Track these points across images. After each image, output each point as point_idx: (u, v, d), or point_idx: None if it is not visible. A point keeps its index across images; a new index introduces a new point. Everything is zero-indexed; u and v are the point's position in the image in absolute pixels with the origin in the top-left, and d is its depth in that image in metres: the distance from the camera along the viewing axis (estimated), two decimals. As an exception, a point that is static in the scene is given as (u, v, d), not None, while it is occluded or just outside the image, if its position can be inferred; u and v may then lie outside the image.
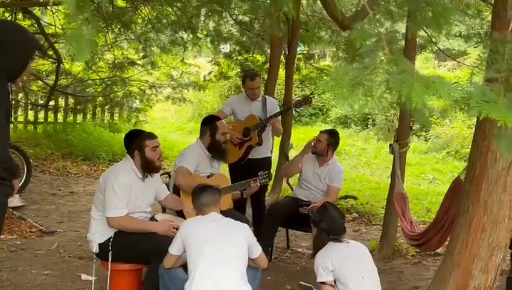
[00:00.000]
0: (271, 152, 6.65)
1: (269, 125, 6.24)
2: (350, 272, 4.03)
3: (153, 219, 4.46)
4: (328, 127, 16.31)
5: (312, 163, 6.00)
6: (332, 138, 5.98)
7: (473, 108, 1.98)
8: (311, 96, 6.63)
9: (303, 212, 5.59)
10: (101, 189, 4.28)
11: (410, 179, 10.94)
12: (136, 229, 4.27)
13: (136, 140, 4.39)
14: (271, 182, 7.93)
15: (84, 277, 5.21)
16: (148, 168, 4.40)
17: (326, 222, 4.18)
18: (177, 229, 4.17)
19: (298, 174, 6.20)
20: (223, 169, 6.46)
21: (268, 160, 6.50)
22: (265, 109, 6.24)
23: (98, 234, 4.29)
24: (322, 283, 4.04)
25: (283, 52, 8.97)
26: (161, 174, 5.83)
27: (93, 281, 4.39)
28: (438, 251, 6.20)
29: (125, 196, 4.22)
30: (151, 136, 4.46)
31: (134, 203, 4.30)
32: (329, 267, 3.99)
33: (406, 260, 6.41)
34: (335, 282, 4.05)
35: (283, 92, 11.24)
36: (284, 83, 9.33)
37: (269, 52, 9.43)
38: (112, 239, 4.24)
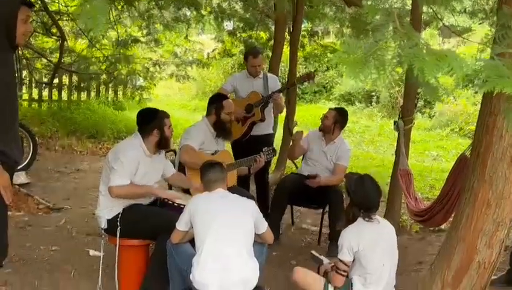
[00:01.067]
0: (272, 129, 6.66)
1: (271, 102, 6.25)
2: (373, 257, 3.94)
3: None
4: (332, 104, 16.33)
5: (318, 141, 6.01)
6: (340, 116, 5.97)
7: (486, 83, 1.98)
8: (314, 72, 6.63)
9: (311, 185, 5.62)
10: (109, 164, 4.31)
11: (414, 156, 10.96)
12: (138, 195, 4.33)
13: (156, 119, 4.41)
14: (275, 159, 7.98)
15: (92, 252, 5.28)
16: (164, 145, 4.47)
17: (360, 196, 4.03)
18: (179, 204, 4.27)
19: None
20: (227, 145, 6.50)
21: (270, 137, 6.53)
22: (266, 86, 6.25)
23: (107, 210, 4.33)
24: (341, 260, 4.02)
25: (287, 29, 8.93)
26: (166, 152, 5.87)
27: (101, 257, 4.43)
28: (442, 227, 6.26)
29: (130, 169, 4.24)
30: (167, 114, 4.53)
31: (142, 180, 4.33)
32: (354, 249, 3.90)
33: (410, 236, 6.47)
34: (353, 260, 4.03)
35: (287, 69, 11.24)
36: (287, 61, 9.30)
37: (273, 29, 9.39)
38: (120, 215, 4.28)
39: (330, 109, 6.11)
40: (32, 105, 12.38)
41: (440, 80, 2.91)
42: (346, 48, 1.95)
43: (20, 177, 7.23)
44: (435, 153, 12.13)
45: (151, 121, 4.41)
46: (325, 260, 4.61)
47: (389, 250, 4.11)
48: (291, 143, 6.37)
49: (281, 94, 6.41)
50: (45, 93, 12.75)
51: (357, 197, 4.04)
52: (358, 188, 4.06)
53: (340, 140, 6.00)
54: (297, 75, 8.09)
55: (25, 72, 11.22)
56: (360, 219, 4.03)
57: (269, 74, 6.63)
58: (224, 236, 3.67)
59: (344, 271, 4.04)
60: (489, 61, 2.02)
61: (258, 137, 6.23)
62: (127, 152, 4.30)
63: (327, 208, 5.85)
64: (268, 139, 6.40)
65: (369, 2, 8.22)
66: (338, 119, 5.91)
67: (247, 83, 6.32)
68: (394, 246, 4.19)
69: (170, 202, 4.42)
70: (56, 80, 12.10)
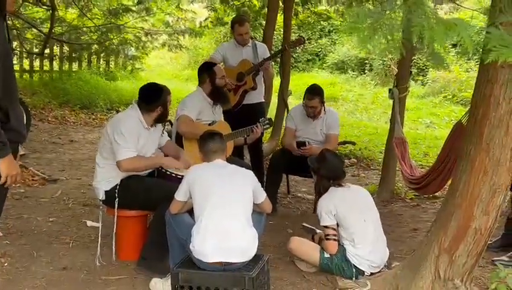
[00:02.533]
0: (263, 97, 6.63)
1: (262, 70, 6.22)
2: (352, 215, 4.18)
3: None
4: (325, 73, 16.29)
5: (305, 120, 5.89)
6: (321, 95, 5.82)
7: (491, 52, 1.97)
8: (303, 37, 6.58)
9: (302, 154, 5.62)
10: (109, 136, 4.26)
11: (408, 124, 11.00)
12: (147, 167, 4.38)
13: (161, 97, 4.39)
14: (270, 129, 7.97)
15: (89, 223, 5.29)
16: (162, 120, 4.50)
17: (326, 169, 4.35)
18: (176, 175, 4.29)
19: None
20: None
21: (262, 105, 6.52)
22: (256, 54, 6.22)
23: (104, 181, 4.32)
24: (325, 226, 4.19)
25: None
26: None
27: (100, 228, 4.45)
28: (436, 194, 6.32)
29: (133, 140, 4.23)
30: (169, 90, 4.53)
31: (140, 152, 4.32)
32: (332, 212, 4.15)
33: (404, 203, 6.52)
34: (337, 226, 4.19)
35: (280, 37, 11.17)
36: (280, 29, 9.22)
37: (266, -4, 9.29)
38: (118, 186, 4.28)
39: (309, 97, 5.77)
40: (24, 76, 12.29)
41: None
42: (354, 17, 1.93)
43: (15, 149, 7.20)
44: (428, 121, 12.18)
45: (157, 99, 4.39)
46: (317, 230, 4.70)
47: (366, 208, 4.34)
48: (284, 133, 6.22)
49: (271, 62, 6.35)
50: (36, 64, 12.65)
51: (323, 171, 4.36)
52: (322, 163, 4.40)
53: (326, 110, 5.90)
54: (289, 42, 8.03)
55: (15, 43, 11.11)
56: (331, 188, 4.26)
57: (258, 42, 6.59)
58: (224, 206, 3.69)
59: (333, 235, 4.20)
60: (495, 31, 2.01)
61: (250, 106, 6.21)
62: (127, 124, 4.27)
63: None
64: (260, 108, 6.38)
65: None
66: (322, 99, 5.83)
67: (237, 51, 6.28)
68: (371, 203, 4.40)
69: (168, 173, 4.42)
70: (47, 50, 11.99)
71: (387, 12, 1.84)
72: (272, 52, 6.54)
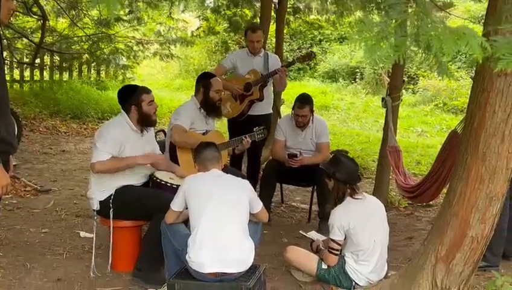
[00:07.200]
0: (276, 110, 6.60)
1: (271, 81, 6.20)
2: (364, 234, 4.10)
3: (152, 176, 4.46)
4: (316, 81, 16.31)
5: (294, 130, 5.87)
6: (311, 103, 5.80)
7: (500, 61, 1.96)
8: (313, 52, 6.55)
9: (292, 166, 5.60)
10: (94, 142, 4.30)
11: (399, 132, 10.98)
12: (119, 167, 4.25)
13: (133, 95, 4.37)
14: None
15: (82, 234, 5.25)
16: (145, 122, 4.40)
17: (342, 172, 4.17)
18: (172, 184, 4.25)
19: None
20: (223, 123, 6.42)
21: (268, 116, 6.47)
22: (267, 65, 6.19)
23: (99, 191, 4.29)
24: (333, 240, 4.11)
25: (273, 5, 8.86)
26: (156, 132, 5.83)
27: (94, 238, 4.41)
28: (430, 202, 6.32)
29: (112, 147, 4.19)
30: (147, 90, 4.46)
31: (130, 156, 4.30)
32: (345, 227, 4.06)
33: (398, 212, 6.52)
34: (345, 238, 4.12)
35: (271, 46, 11.17)
36: (272, 38, 9.23)
37: (257, 6, 9.30)
38: (112, 196, 4.25)
39: (299, 106, 5.73)
40: (14, 86, 12.20)
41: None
42: (361, 26, 1.92)
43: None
44: (419, 129, 12.20)
45: (128, 98, 4.38)
46: (314, 236, 4.67)
47: (379, 226, 4.22)
48: (273, 145, 6.12)
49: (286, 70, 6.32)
50: (27, 73, 12.60)
51: (340, 174, 4.17)
52: (337, 166, 4.21)
53: (314, 119, 5.87)
54: (296, 55, 8.06)
55: (5, 53, 11.03)
56: (348, 198, 4.17)
57: (270, 53, 6.56)
58: (220, 216, 3.67)
59: (336, 250, 4.14)
60: (504, 39, 2.01)
61: (257, 117, 6.16)
62: (110, 130, 4.31)
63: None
64: (266, 119, 6.32)
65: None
66: (312, 107, 5.81)
67: (248, 60, 6.25)
68: (384, 220, 4.30)
69: (163, 182, 4.39)
70: (38, 60, 11.94)
71: (394, 21, 1.84)
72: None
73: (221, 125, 7.65)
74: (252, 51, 6.21)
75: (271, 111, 6.57)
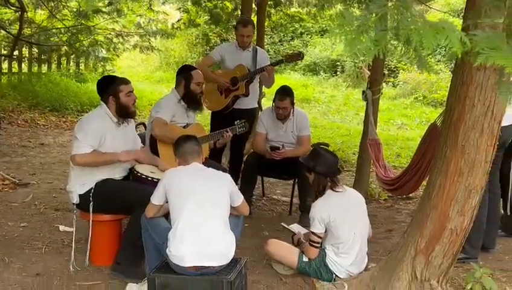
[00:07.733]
0: (258, 103, 6.59)
1: (257, 77, 6.17)
2: (344, 227, 4.12)
3: (133, 169, 4.43)
4: (297, 74, 16.33)
5: (275, 123, 5.88)
6: (292, 95, 5.82)
7: (479, 55, 1.97)
8: (302, 53, 6.52)
9: (275, 158, 5.61)
10: (74, 135, 4.26)
11: (380, 125, 11.01)
12: (99, 162, 4.22)
13: (111, 86, 4.34)
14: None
15: (62, 228, 5.21)
16: (124, 113, 4.37)
17: (322, 165, 4.19)
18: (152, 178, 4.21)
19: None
20: (206, 116, 6.38)
21: (253, 111, 6.46)
22: (255, 60, 6.17)
23: (78, 185, 4.25)
24: (313, 233, 4.13)
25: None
26: (137, 125, 5.79)
27: (74, 232, 4.37)
28: (410, 195, 6.37)
29: (93, 139, 4.17)
30: (125, 81, 4.43)
31: (111, 148, 4.27)
32: (325, 220, 4.08)
33: (378, 204, 6.57)
34: (326, 231, 4.14)
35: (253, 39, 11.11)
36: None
37: (238, -2, 9.27)
38: (92, 190, 4.21)
39: (280, 98, 5.76)
40: (-9, 78, 12.06)
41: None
42: (341, 20, 1.92)
43: (-17, 153, 7.07)
44: (399, 122, 12.28)
45: (107, 89, 4.35)
46: (296, 229, 4.68)
47: (359, 218, 4.25)
48: (254, 138, 6.14)
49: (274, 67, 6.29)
50: (5, 65, 12.43)
51: (320, 168, 4.19)
52: (317, 160, 4.23)
53: (295, 111, 5.88)
54: (285, 53, 8.02)
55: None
56: (328, 191, 4.20)
57: (259, 48, 6.54)
58: (201, 209, 3.65)
59: (317, 243, 4.15)
60: (483, 33, 2.02)
61: (241, 111, 6.13)
62: (90, 121, 4.29)
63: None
64: (251, 114, 6.30)
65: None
66: (292, 99, 5.83)
67: (236, 54, 6.21)
68: (364, 213, 4.33)
69: (144, 176, 4.36)
70: (16, 52, 11.79)
71: (374, 14, 1.84)
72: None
73: (203, 118, 7.62)
74: (241, 45, 6.19)
75: (256, 106, 6.56)
